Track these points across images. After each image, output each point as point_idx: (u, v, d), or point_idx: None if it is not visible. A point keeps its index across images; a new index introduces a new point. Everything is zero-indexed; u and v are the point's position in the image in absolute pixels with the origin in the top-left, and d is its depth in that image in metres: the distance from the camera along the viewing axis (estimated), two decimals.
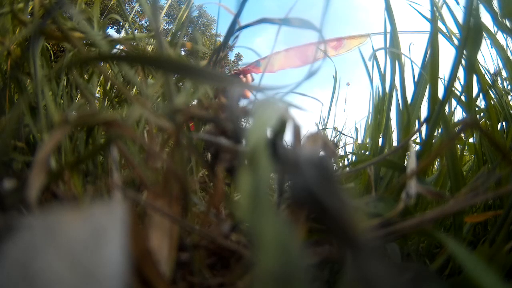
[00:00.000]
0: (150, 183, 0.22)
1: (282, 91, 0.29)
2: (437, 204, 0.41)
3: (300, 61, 2.39)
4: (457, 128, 0.40)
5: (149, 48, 0.70)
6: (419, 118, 0.46)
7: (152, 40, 0.61)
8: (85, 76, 0.54)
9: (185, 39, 0.51)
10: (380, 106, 0.56)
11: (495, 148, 0.36)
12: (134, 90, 0.69)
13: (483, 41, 0.34)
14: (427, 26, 0.43)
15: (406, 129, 0.44)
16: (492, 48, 0.48)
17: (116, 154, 0.25)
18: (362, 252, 0.10)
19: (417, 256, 0.39)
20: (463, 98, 0.47)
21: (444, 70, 0.39)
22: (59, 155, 0.36)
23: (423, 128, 0.41)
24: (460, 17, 0.43)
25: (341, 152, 0.90)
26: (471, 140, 0.52)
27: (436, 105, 0.37)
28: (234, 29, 0.40)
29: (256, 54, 0.63)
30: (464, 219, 0.34)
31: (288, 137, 0.21)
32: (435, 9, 0.42)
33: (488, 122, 0.46)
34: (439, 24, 0.46)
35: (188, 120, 0.23)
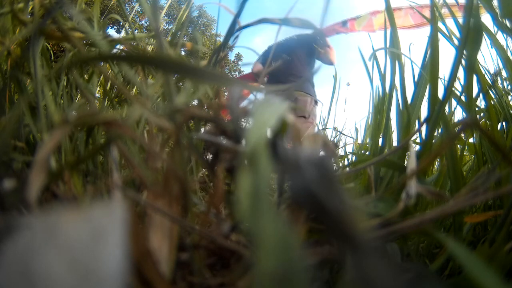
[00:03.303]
0: (150, 183, 0.22)
1: (282, 91, 0.29)
2: (437, 204, 0.41)
3: (414, 21, 2.06)
4: (457, 128, 0.40)
5: (149, 48, 0.70)
6: (419, 118, 0.46)
7: (152, 40, 0.61)
8: (85, 76, 0.54)
9: (185, 39, 0.51)
10: (380, 106, 0.56)
11: (495, 148, 0.36)
12: (134, 90, 0.69)
13: (483, 41, 0.34)
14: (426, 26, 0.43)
15: (406, 129, 0.44)
16: (492, 48, 0.48)
17: (116, 154, 0.25)
18: (362, 252, 0.10)
19: (417, 256, 0.39)
20: (463, 98, 0.47)
21: (444, 70, 0.39)
22: (59, 155, 0.36)
23: (423, 128, 0.41)
24: (460, 17, 0.43)
25: (341, 152, 0.90)
26: (471, 140, 0.52)
27: (436, 105, 0.37)
28: (234, 29, 0.40)
29: (257, 54, 0.63)
30: (464, 219, 0.34)
31: (288, 137, 0.21)
32: (435, 9, 0.42)
33: (488, 122, 0.46)
34: (439, 24, 0.46)
35: (188, 120, 0.23)
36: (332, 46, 2.12)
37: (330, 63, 2.05)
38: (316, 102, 2.05)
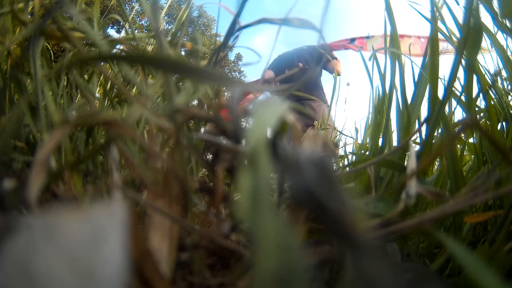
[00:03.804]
0: (150, 183, 0.22)
1: (282, 91, 0.30)
2: (437, 204, 0.41)
3: (421, 51, 2.15)
4: (457, 128, 0.40)
5: (149, 48, 0.70)
6: (419, 118, 0.46)
7: (152, 40, 0.61)
8: (85, 76, 0.54)
9: (185, 39, 0.51)
10: (380, 106, 0.56)
11: (495, 148, 0.36)
12: (134, 90, 0.69)
13: (483, 41, 0.34)
14: (427, 26, 0.43)
15: (406, 129, 0.44)
16: (492, 48, 0.48)
17: (116, 154, 0.25)
18: (362, 252, 0.10)
19: (417, 256, 0.39)
20: (463, 98, 0.47)
21: (444, 70, 0.39)
22: (59, 155, 0.36)
23: (423, 128, 0.41)
24: (460, 17, 0.43)
25: (341, 152, 0.90)
26: (471, 140, 0.52)
27: (436, 105, 0.37)
28: (234, 29, 0.39)
29: (257, 54, 0.63)
30: (464, 219, 0.34)
31: (288, 137, 0.21)
32: (435, 9, 0.42)
33: (488, 122, 0.46)
34: (439, 24, 0.46)
35: (188, 120, 0.23)
36: (339, 59, 2.22)
37: (337, 73, 2.14)
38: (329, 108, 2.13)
